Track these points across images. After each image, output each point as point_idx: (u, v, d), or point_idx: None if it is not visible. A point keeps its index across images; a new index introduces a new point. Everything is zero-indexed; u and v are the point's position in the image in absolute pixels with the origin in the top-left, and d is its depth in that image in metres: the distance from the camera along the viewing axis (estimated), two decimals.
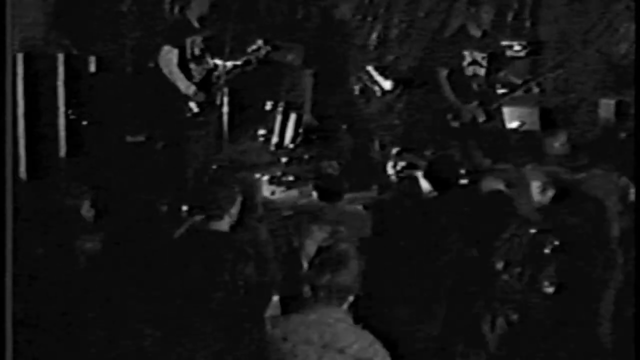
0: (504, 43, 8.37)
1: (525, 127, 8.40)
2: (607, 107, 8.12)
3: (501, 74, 8.29)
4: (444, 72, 8.17)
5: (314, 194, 6.82)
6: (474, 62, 8.19)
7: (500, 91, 8.28)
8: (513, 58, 8.35)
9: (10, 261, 3.77)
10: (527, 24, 8.38)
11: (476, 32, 8.22)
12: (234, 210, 5.86)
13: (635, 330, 5.32)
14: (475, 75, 8.20)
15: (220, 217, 5.94)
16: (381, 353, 4.01)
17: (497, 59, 8.27)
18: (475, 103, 8.15)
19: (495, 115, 8.21)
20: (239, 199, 5.96)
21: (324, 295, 4.25)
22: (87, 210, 6.76)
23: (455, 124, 8.11)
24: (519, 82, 8.35)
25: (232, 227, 6.36)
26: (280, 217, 7.38)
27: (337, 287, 4.20)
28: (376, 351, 3.98)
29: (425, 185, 7.05)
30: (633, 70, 7.36)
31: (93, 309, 6.78)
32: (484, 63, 8.17)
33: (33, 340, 5.53)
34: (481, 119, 8.15)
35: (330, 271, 4.18)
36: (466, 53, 8.16)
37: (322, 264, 4.29)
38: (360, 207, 6.50)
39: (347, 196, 6.72)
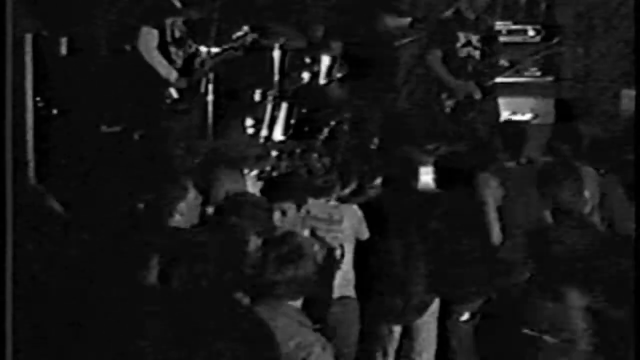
0: (516, 27, 8.13)
1: (537, 120, 8.09)
2: (630, 98, 7.68)
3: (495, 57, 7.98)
4: (438, 54, 7.81)
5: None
6: (468, 44, 7.83)
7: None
8: (527, 44, 8.11)
9: (10, 262, 3.65)
10: (542, 6, 8.25)
11: (470, 15, 7.82)
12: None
13: (635, 329, 4.95)
14: (469, 56, 7.85)
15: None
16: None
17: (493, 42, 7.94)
18: (470, 81, 7.76)
19: (491, 92, 7.86)
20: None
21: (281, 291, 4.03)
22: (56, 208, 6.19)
23: (450, 103, 7.73)
24: (507, 64, 8.10)
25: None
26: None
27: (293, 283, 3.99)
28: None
29: (428, 181, 6.71)
30: None
31: (77, 311, 6.41)
32: (479, 45, 7.84)
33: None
34: (477, 96, 7.74)
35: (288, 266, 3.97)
36: (460, 35, 7.80)
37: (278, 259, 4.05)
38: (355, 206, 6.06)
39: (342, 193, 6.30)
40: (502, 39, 8.16)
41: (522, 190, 6.03)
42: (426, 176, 6.35)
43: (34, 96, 7.58)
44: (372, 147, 7.92)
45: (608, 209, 5.89)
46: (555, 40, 8.25)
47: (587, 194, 5.71)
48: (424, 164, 6.84)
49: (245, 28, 7.98)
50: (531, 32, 8.24)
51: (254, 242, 5.20)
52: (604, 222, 5.86)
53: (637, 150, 5.65)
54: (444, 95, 7.82)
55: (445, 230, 6.07)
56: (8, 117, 3.70)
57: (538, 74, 8.38)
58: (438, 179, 6.17)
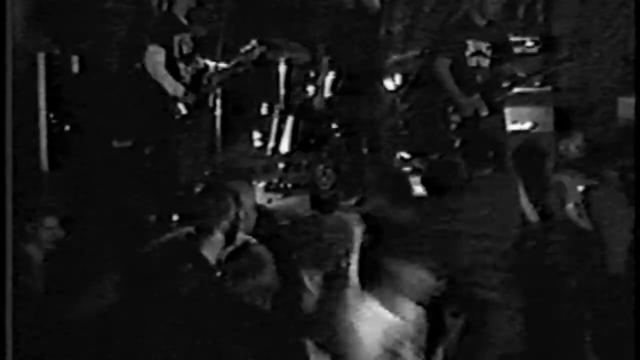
0: (514, 39, 8.05)
1: (537, 129, 8.04)
2: (626, 106, 7.64)
3: (506, 65, 7.83)
4: (446, 63, 7.67)
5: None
6: (478, 53, 7.72)
7: (505, 84, 7.83)
8: (524, 55, 8.07)
9: (10, 262, 3.68)
10: (540, 18, 8.19)
11: (480, 22, 7.72)
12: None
13: (635, 329, 5.05)
14: (478, 66, 7.73)
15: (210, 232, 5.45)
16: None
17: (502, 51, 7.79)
18: (477, 96, 7.65)
19: (500, 109, 7.75)
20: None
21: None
22: (58, 225, 6.16)
23: (456, 118, 7.64)
24: (524, 75, 7.98)
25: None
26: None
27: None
28: None
29: (418, 189, 6.70)
30: None
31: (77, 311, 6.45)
32: (488, 53, 7.69)
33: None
34: (484, 112, 7.65)
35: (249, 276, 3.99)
36: (470, 43, 7.68)
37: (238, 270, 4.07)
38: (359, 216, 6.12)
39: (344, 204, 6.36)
40: None
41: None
42: (418, 185, 6.40)
43: (47, 113, 7.66)
44: (373, 157, 7.95)
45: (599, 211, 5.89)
46: (563, 55, 8.18)
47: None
48: (418, 172, 6.92)
49: (253, 42, 8.07)
50: (529, 43, 8.18)
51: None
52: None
53: (637, 156, 5.66)
54: (449, 109, 7.69)
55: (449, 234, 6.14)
56: (8, 117, 3.78)
57: (537, 83, 8.31)
58: (430, 186, 6.19)
